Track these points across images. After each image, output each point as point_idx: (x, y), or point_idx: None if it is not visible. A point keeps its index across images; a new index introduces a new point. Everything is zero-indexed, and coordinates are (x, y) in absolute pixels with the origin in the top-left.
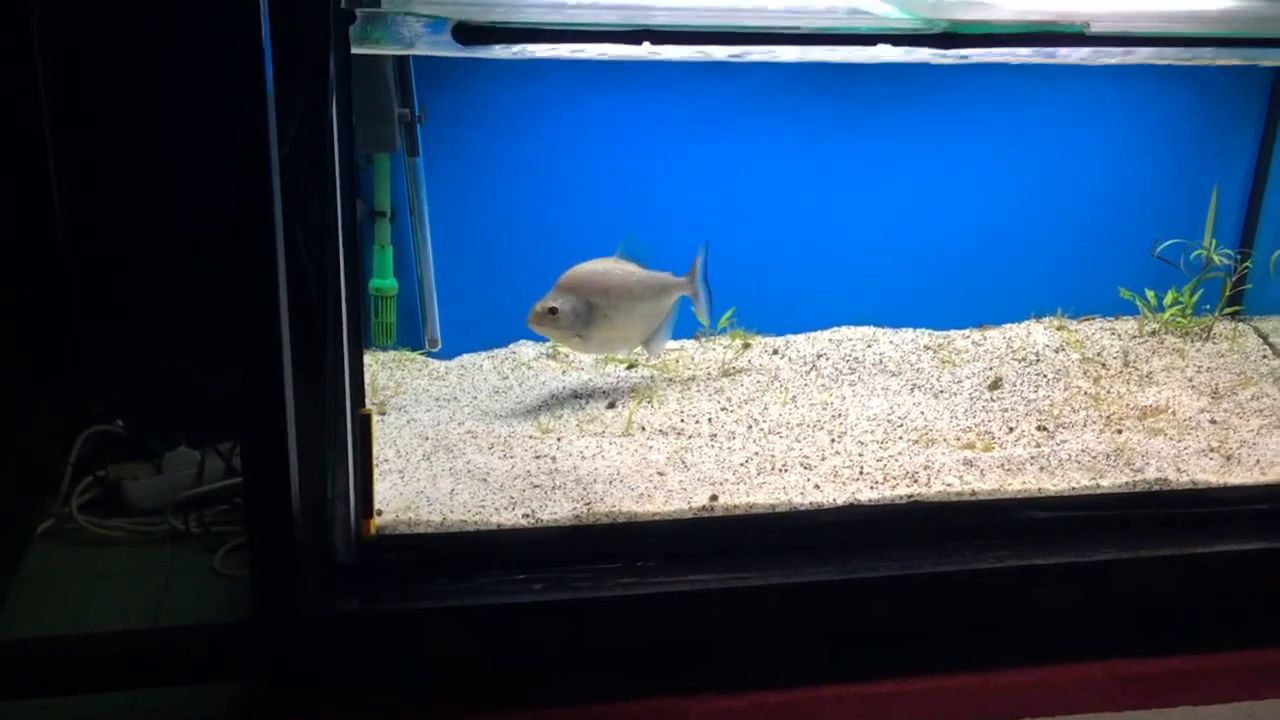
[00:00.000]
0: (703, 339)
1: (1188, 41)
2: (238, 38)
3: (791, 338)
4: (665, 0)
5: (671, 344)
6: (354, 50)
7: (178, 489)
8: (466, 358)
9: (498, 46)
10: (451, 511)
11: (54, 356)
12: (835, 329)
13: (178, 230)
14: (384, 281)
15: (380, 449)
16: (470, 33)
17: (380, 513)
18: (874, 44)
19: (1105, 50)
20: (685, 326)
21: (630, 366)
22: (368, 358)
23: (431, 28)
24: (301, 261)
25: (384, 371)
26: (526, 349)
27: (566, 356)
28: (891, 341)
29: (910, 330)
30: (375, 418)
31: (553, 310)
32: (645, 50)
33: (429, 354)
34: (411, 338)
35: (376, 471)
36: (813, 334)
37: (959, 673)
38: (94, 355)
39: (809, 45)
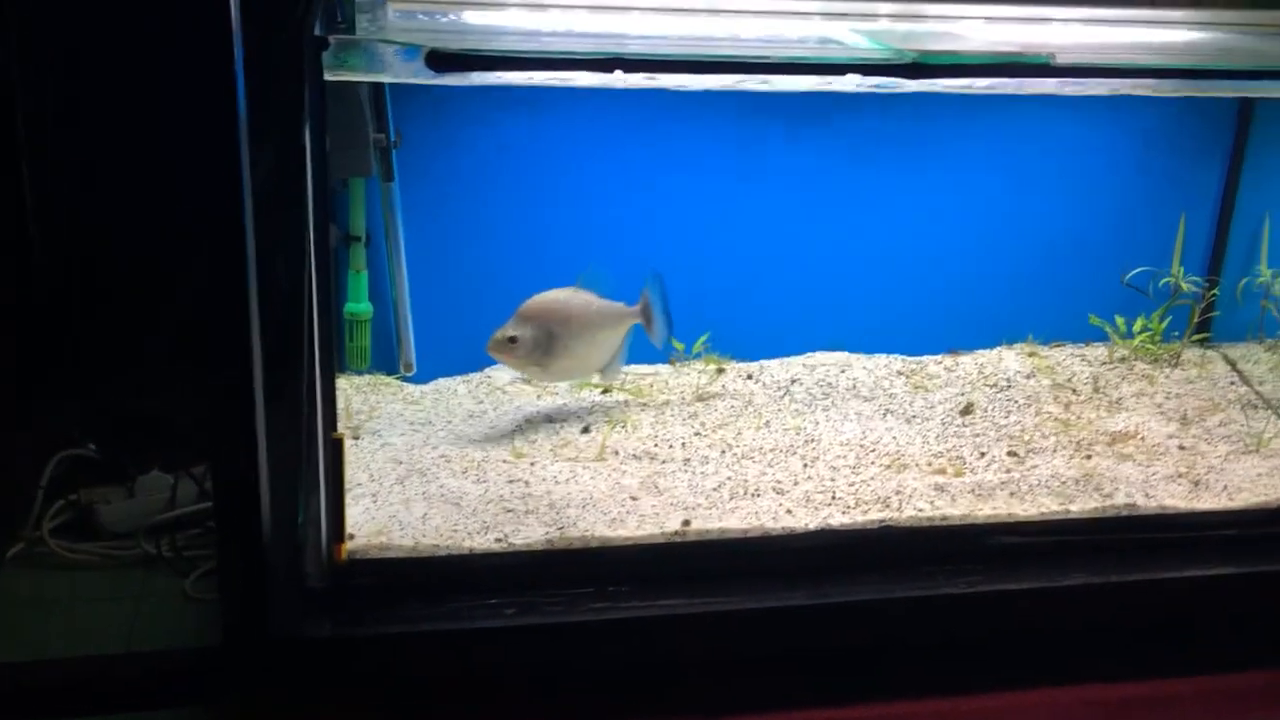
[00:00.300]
0: (677, 364)
1: (1153, 73)
2: (210, 65)
3: (766, 363)
4: (641, 29)
5: (646, 369)
6: (328, 77)
7: (150, 513)
8: (442, 382)
9: (471, 74)
10: (424, 536)
11: (27, 379)
12: (809, 354)
13: (152, 253)
14: (359, 306)
15: (354, 473)
16: (443, 60)
17: (352, 537)
18: (843, 73)
19: (1072, 81)
20: (660, 351)
21: (605, 391)
22: (343, 382)
23: (405, 55)
24: (273, 286)
25: (359, 396)
26: (501, 373)
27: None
28: (865, 367)
29: (884, 356)
30: (349, 442)
31: (513, 339)
32: (617, 79)
33: (404, 378)
34: (386, 362)
35: (349, 496)
36: (787, 359)
37: (930, 697)
38: (67, 378)
39: (779, 75)
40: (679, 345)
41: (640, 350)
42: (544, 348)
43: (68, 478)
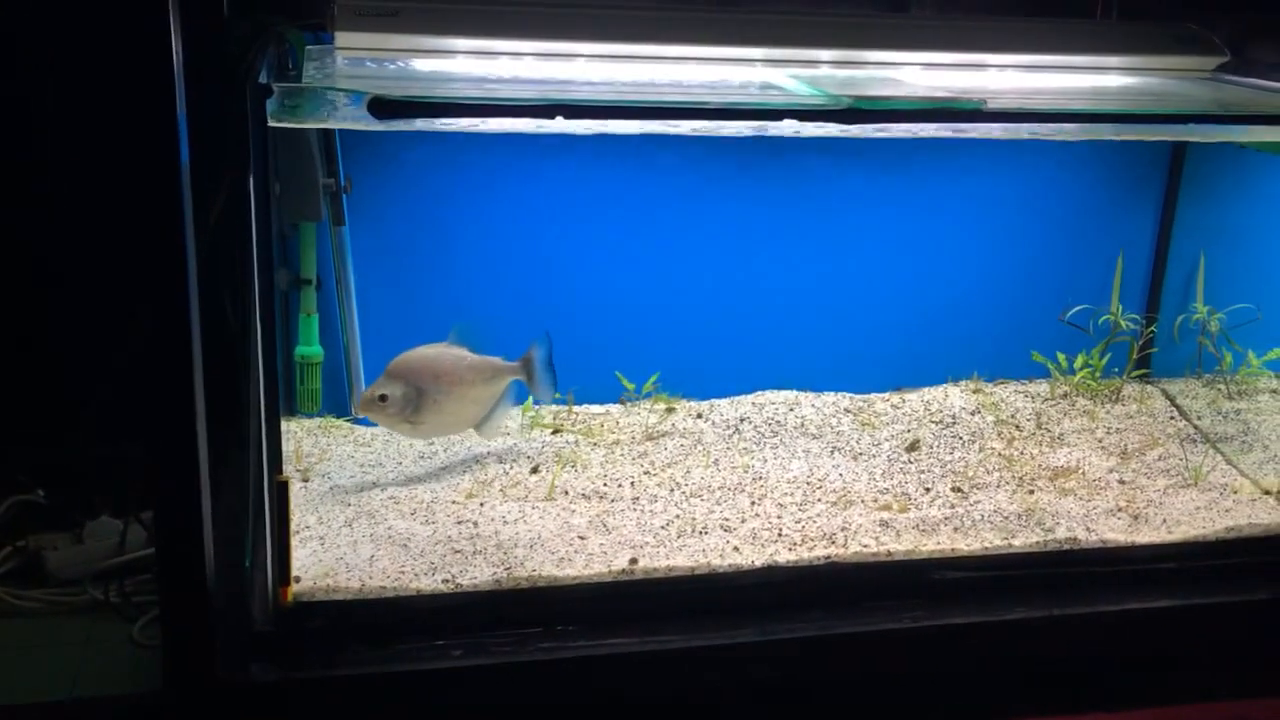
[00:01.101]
0: (628, 403)
1: (1084, 118)
2: (152, 112)
3: (716, 401)
4: (587, 75)
5: (597, 409)
6: (276, 124)
7: (98, 559)
8: None
9: (413, 120)
10: (370, 578)
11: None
12: (759, 393)
13: (102, 298)
14: (310, 349)
15: (302, 515)
16: (385, 107)
17: (299, 579)
18: (780, 119)
19: (1007, 126)
20: (612, 390)
21: (555, 431)
22: (294, 425)
23: (353, 101)
24: (218, 329)
25: (309, 438)
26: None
27: None
28: (813, 405)
29: (832, 394)
30: (299, 485)
31: (383, 397)
32: (559, 125)
33: (355, 421)
34: (337, 405)
35: (298, 538)
36: (736, 398)
37: None
38: (16, 425)
39: (717, 120)
40: (629, 385)
41: (593, 390)
42: (414, 405)
43: (15, 523)
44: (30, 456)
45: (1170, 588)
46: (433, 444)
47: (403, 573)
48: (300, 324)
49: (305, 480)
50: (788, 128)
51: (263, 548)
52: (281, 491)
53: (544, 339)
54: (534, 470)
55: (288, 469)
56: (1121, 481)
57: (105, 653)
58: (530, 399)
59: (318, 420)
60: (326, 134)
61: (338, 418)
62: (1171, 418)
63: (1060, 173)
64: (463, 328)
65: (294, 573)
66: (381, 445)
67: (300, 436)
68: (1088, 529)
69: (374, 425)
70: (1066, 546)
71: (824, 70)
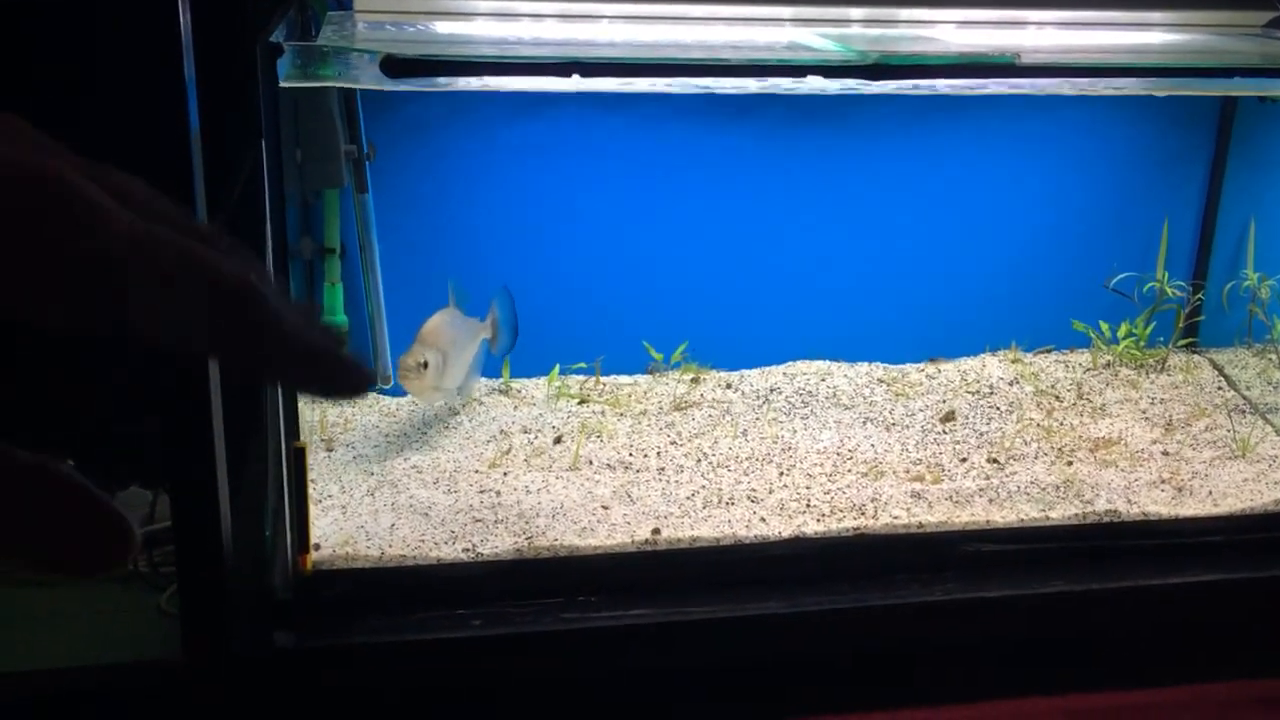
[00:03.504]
0: (656, 374)
1: (1120, 72)
2: (160, 73)
3: (745, 372)
4: (609, 37)
5: (625, 379)
6: (293, 84)
7: None
8: None
9: (426, 79)
10: (390, 546)
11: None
12: (790, 363)
13: None
14: (334, 318)
15: (325, 484)
16: (398, 66)
17: (318, 547)
18: (804, 75)
19: (1042, 82)
20: (638, 360)
21: (582, 401)
22: None
23: (368, 60)
24: None
25: (334, 408)
26: (478, 384)
27: (519, 391)
28: (845, 375)
29: (865, 364)
30: (323, 454)
31: (425, 364)
32: (575, 82)
33: (380, 391)
34: None
35: (320, 507)
36: (766, 368)
37: (907, 707)
38: (45, 395)
39: (740, 77)
40: (657, 355)
41: (621, 360)
42: (440, 370)
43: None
44: (60, 426)
45: (1215, 561)
46: (457, 414)
47: (423, 541)
48: (325, 293)
49: (329, 449)
50: (812, 85)
51: (282, 516)
52: (299, 458)
53: (505, 295)
54: (557, 440)
55: (312, 438)
56: (1165, 453)
57: (132, 621)
58: (555, 368)
59: None
60: (348, 99)
61: None
62: (1219, 388)
63: (1104, 135)
64: (457, 286)
65: (314, 540)
66: (406, 415)
67: (325, 406)
68: (1129, 501)
69: (399, 395)
70: (1106, 519)
71: (854, 29)
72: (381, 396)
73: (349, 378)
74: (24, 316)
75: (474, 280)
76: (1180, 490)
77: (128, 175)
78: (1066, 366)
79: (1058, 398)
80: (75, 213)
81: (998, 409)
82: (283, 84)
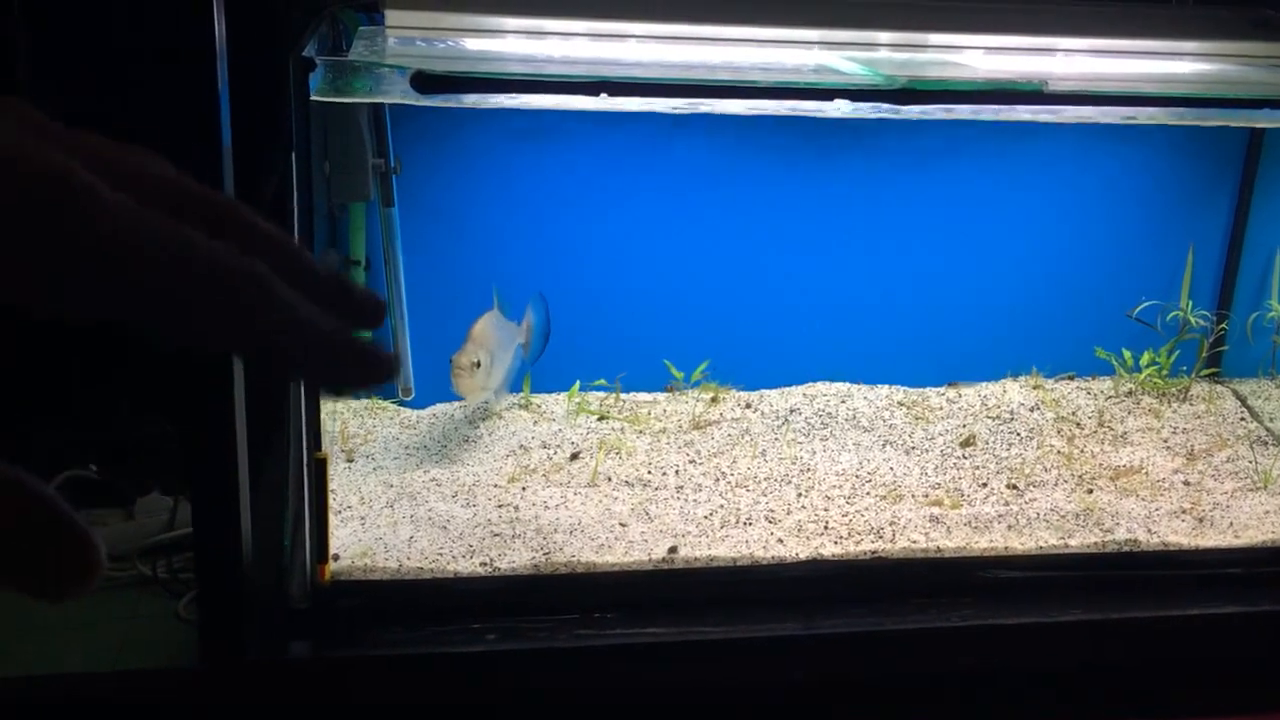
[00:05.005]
0: (675, 391)
1: (1148, 101)
2: (193, 87)
3: (765, 392)
4: (638, 56)
5: (644, 396)
6: (323, 99)
7: (147, 535)
8: (439, 407)
9: (455, 95)
10: (408, 558)
11: (31, 401)
12: (810, 384)
13: None
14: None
15: (345, 495)
16: (428, 82)
17: (337, 558)
18: (831, 98)
19: (1069, 110)
20: (658, 378)
21: (602, 418)
22: (340, 406)
23: (397, 76)
24: None
25: (355, 419)
26: (492, 401)
27: (539, 406)
28: (865, 398)
29: (885, 387)
30: (343, 465)
31: (478, 363)
32: (603, 101)
33: (401, 403)
34: (385, 387)
35: (339, 518)
36: (786, 389)
37: None
38: (68, 400)
39: (765, 99)
40: (678, 374)
41: (642, 377)
42: (488, 371)
43: (68, 499)
44: (82, 432)
45: (1236, 593)
46: (477, 428)
47: (440, 554)
48: None
49: (350, 461)
50: (839, 109)
51: (302, 526)
52: (320, 469)
53: (540, 301)
54: (573, 457)
55: (333, 449)
56: (1186, 483)
57: (150, 627)
58: (576, 384)
59: (364, 402)
60: (376, 114)
61: (385, 399)
62: (1242, 419)
63: (1130, 163)
64: (501, 292)
65: (333, 551)
66: (427, 428)
67: (346, 417)
68: (1149, 530)
69: (419, 407)
70: (1126, 548)
71: (882, 53)
72: (402, 409)
73: (366, 367)
74: (21, 304)
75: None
76: (1201, 521)
77: (145, 153)
78: (1088, 394)
79: (1079, 425)
80: (72, 203)
81: (1018, 435)
82: (314, 98)
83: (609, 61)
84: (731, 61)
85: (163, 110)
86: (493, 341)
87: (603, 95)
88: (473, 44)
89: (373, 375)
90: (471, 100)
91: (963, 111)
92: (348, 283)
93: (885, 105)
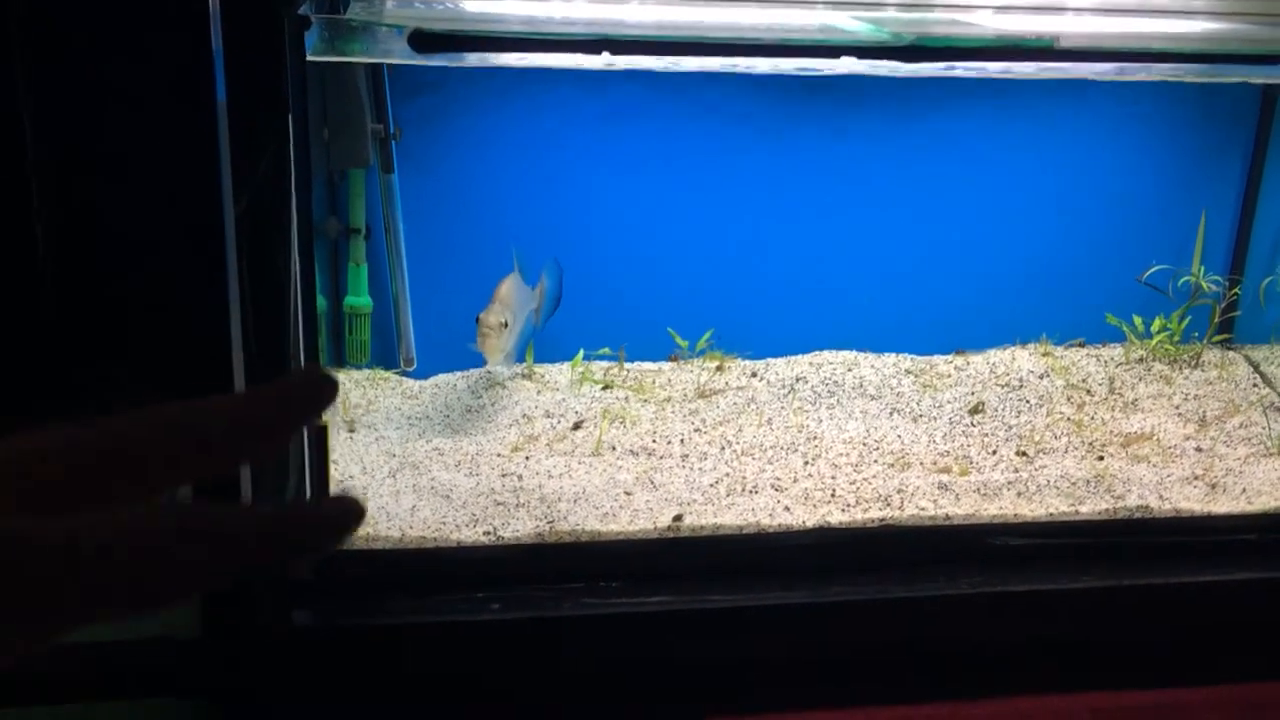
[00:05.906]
0: (680, 360)
1: (1158, 57)
2: (187, 45)
3: (771, 361)
4: (639, 17)
5: (649, 366)
6: (320, 59)
7: None
8: (441, 377)
9: (453, 54)
10: (411, 528)
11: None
12: (816, 353)
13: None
14: (359, 299)
15: (347, 466)
16: (427, 40)
17: None
18: (837, 56)
19: (1077, 66)
20: (662, 347)
21: (606, 387)
22: (342, 376)
23: (396, 36)
24: (256, 276)
25: (357, 390)
26: (502, 369)
27: (543, 376)
28: (873, 366)
29: (892, 355)
30: (345, 435)
31: (505, 323)
32: (605, 60)
33: (403, 373)
34: (386, 357)
35: (341, 489)
36: (792, 357)
37: (929, 703)
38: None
39: (771, 57)
40: (683, 342)
41: (647, 347)
42: (512, 332)
43: None
44: (92, 402)
45: (1248, 560)
46: (480, 398)
47: (444, 524)
48: (349, 274)
49: (351, 431)
50: (846, 66)
51: (303, 496)
52: (320, 438)
53: (554, 265)
54: (577, 426)
55: (335, 420)
56: (1199, 449)
57: None
58: (579, 354)
59: (366, 372)
60: (375, 79)
61: (386, 369)
62: (1254, 385)
63: (1140, 125)
64: (520, 255)
65: None
66: (429, 398)
67: (348, 388)
68: (1161, 497)
69: (421, 378)
70: (1138, 515)
71: (889, 13)
72: (404, 379)
73: (329, 527)
74: None
75: (500, 264)
76: (1213, 487)
77: (115, 424)
78: (1098, 361)
79: (1089, 392)
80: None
81: (1027, 402)
82: (310, 58)
83: (610, 22)
84: (735, 22)
85: (156, 70)
86: (515, 303)
87: (605, 54)
88: (472, 5)
89: (346, 528)
90: (472, 60)
91: (972, 70)
92: (304, 508)
93: (892, 62)
